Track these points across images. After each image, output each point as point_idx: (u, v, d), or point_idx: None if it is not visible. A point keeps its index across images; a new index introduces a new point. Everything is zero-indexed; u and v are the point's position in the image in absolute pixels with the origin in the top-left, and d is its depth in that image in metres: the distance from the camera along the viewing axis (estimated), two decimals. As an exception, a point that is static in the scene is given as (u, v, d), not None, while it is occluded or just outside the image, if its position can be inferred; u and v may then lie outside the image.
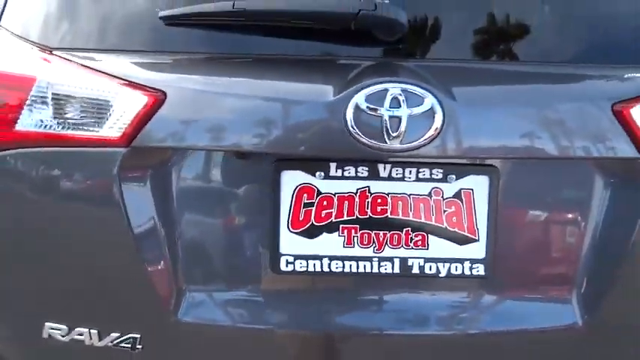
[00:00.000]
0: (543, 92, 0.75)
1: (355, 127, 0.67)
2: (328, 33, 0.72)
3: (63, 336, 0.76)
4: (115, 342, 0.75)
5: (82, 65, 0.73)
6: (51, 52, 0.76)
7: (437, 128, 0.67)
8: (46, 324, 0.77)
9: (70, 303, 0.77)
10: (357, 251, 0.73)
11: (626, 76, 0.76)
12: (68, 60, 0.74)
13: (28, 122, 0.71)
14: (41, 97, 0.71)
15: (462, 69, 0.76)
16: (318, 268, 0.73)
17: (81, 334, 0.76)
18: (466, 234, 0.73)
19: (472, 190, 0.73)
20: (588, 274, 0.75)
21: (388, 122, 0.66)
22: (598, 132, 0.71)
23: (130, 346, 0.75)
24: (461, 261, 0.73)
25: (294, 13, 0.69)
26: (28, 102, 0.71)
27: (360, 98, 0.66)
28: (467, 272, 0.73)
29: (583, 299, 0.75)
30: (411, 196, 0.72)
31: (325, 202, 0.72)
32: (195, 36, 0.74)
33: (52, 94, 0.71)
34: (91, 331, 0.75)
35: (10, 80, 0.73)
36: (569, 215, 0.75)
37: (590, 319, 0.74)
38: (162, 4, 0.74)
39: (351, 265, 0.73)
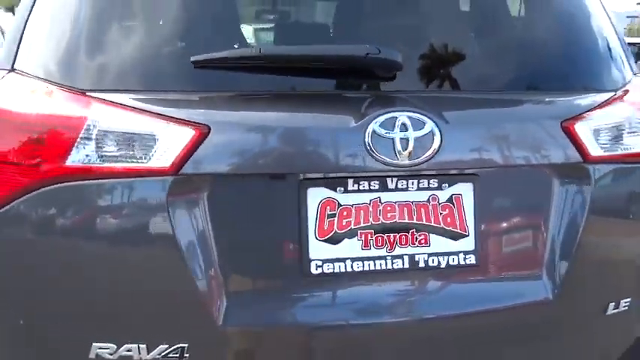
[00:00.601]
0: (510, 115, 0.95)
1: (373, 149, 0.81)
2: (343, 72, 0.87)
3: (111, 354, 0.82)
4: (163, 354, 0.83)
5: (123, 105, 0.81)
6: (84, 93, 0.84)
7: (435, 147, 0.84)
8: (94, 344, 0.82)
9: (118, 322, 0.83)
10: (373, 252, 0.87)
11: (568, 99, 0.97)
12: (109, 101, 0.82)
13: (77, 158, 0.78)
14: (90, 135, 0.78)
15: (447, 98, 0.94)
16: (342, 269, 0.85)
17: (129, 350, 0.82)
18: (459, 231, 0.89)
19: (461, 194, 0.89)
20: (553, 257, 0.93)
21: (399, 144, 0.81)
22: (552, 144, 0.91)
23: (177, 355, 0.83)
24: (456, 253, 0.89)
25: (315, 57, 0.83)
26: (78, 140, 0.78)
27: (375, 125, 0.81)
28: (462, 262, 0.89)
29: (552, 278, 0.93)
30: (414, 203, 0.88)
31: (345, 213, 0.85)
32: (228, 76, 0.86)
33: (101, 131, 0.79)
34: (140, 345, 0.82)
35: (60, 121, 0.80)
36: (536, 210, 0.94)
37: (558, 293, 0.93)
38: (193, 47, 0.85)
39: (369, 264, 0.86)
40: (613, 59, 1.07)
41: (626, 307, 1.00)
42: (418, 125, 0.83)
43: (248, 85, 0.88)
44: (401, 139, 0.82)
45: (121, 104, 0.82)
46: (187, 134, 0.78)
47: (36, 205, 0.79)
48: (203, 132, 0.79)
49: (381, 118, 0.82)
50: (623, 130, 0.97)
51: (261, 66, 0.84)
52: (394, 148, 0.82)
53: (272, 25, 1.46)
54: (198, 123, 0.79)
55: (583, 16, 1.07)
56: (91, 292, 0.82)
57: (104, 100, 0.82)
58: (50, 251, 0.81)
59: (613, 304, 0.99)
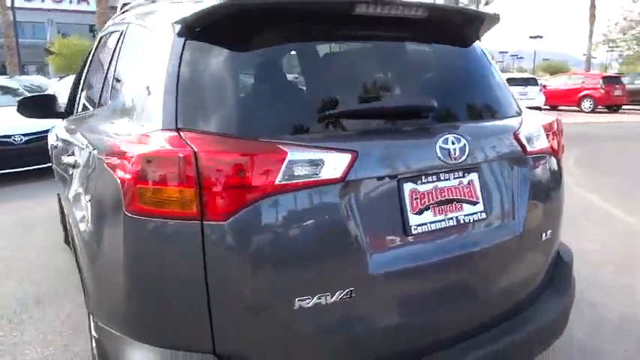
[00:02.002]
0: (489, 131, 1.64)
1: (440, 155, 1.42)
2: (417, 114, 1.47)
3: (309, 303, 1.27)
4: (340, 297, 1.30)
5: (303, 145, 1.27)
6: (257, 138, 1.28)
7: (466, 153, 1.48)
8: (296, 300, 1.26)
9: (313, 283, 1.28)
10: (438, 217, 1.46)
11: (510, 120, 1.71)
12: (291, 143, 1.27)
13: (282, 178, 1.23)
14: (288, 164, 1.24)
15: (461, 126, 1.58)
16: (426, 229, 1.43)
17: (319, 299, 1.28)
18: (474, 200, 1.54)
19: (472, 179, 1.55)
20: (520, 209, 1.64)
21: (454, 150, 1.44)
22: (511, 146, 1.63)
23: (348, 297, 1.31)
24: (475, 213, 1.54)
25: (403, 107, 1.43)
26: (282, 167, 1.23)
27: (440, 142, 1.43)
28: (480, 217, 1.54)
29: (519, 222, 1.63)
30: (452, 187, 1.50)
31: (424, 195, 1.44)
32: (360, 120, 1.40)
33: (293, 161, 1.24)
34: (326, 294, 1.28)
35: (270, 157, 1.23)
36: (509, 183, 1.64)
37: (523, 230, 1.63)
38: (340, 103, 1.37)
39: (436, 223, 1.46)
40: (514, 98, 1.86)
41: (550, 236, 1.76)
42: (458, 141, 1.46)
43: (371, 125, 1.43)
44: (452, 149, 1.44)
45: (301, 145, 1.28)
46: (348, 157, 1.29)
47: (260, 209, 1.22)
48: (354, 155, 1.30)
49: (442, 137, 1.44)
50: (534, 136, 1.73)
51: (378, 114, 1.41)
52: (450, 153, 1.44)
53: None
54: (353, 150, 1.31)
55: (498, 77, 1.84)
56: (297, 263, 1.27)
57: (288, 143, 1.27)
58: (272, 236, 1.24)
59: (544, 234, 1.73)
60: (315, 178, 1.26)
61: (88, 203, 1.55)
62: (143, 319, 1.33)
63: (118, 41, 2.03)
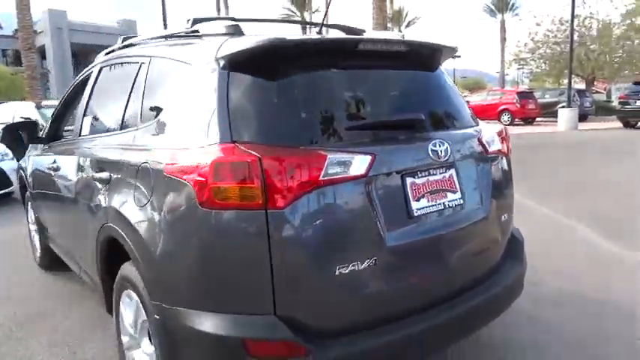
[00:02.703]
0: (460, 138, 2.11)
1: (431, 155, 1.87)
2: (407, 125, 1.92)
3: (346, 271, 1.66)
4: (367, 264, 1.70)
5: (336, 150, 1.68)
6: (298, 146, 1.67)
7: (448, 154, 1.94)
8: (337, 268, 1.65)
9: (348, 256, 1.67)
10: (431, 203, 1.91)
11: (475, 129, 2.21)
12: (329, 149, 1.67)
13: (325, 174, 1.62)
14: (328, 164, 1.63)
15: (443, 133, 2.04)
16: (423, 212, 1.87)
17: (353, 266, 1.67)
18: (455, 190, 2.01)
19: (452, 174, 2.01)
20: (486, 196, 2.12)
21: (441, 151, 1.90)
22: (477, 147, 2.12)
23: (374, 263, 1.71)
24: (456, 199, 2.00)
25: (403, 119, 1.88)
26: (325, 166, 1.62)
27: (431, 145, 1.88)
28: (458, 203, 2.00)
29: (485, 207, 2.11)
30: (439, 180, 1.95)
31: (419, 187, 1.88)
32: (376, 131, 1.83)
33: (331, 161, 1.64)
34: (359, 262, 1.68)
35: (317, 159, 1.62)
36: (476, 177, 2.12)
37: (488, 213, 2.12)
38: (361, 118, 1.80)
39: (430, 208, 1.90)
40: (471, 112, 2.37)
41: (507, 217, 2.26)
42: (442, 145, 1.93)
43: (381, 134, 1.86)
44: (440, 150, 1.90)
45: (334, 150, 1.68)
46: (369, 158, 1.71)
47: (308, 199, 1.60)
48: (373, 157, 1.72)
49: (432, 142, 1.90)
50: (491, 141, 2.24)
51: (385, 126, 1.85)
52: (438, 154, 1.90)
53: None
54: (372, 153, 1.73)
55: (460, 96, 2.34)
56: (336, 239, 1.66)
57: (326, 149, 1.68)
58: (317, 219, 1.62)
59: (503, 216, 2.23)
60: (346, 175, 1.67)
61: (148, 206, 1.85)
62: (216, 293, 1.66)
63: (138, 71, 2.33)
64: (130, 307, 2.20)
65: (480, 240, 2.12)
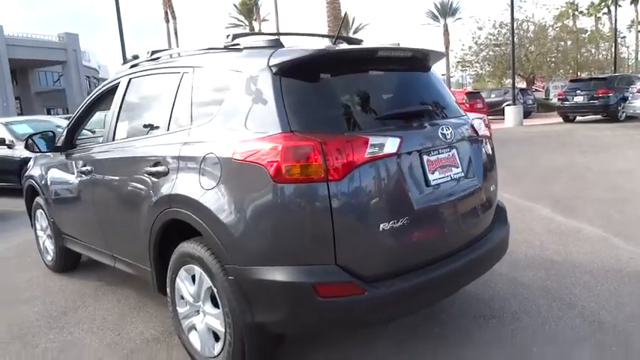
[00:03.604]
0: (459, 124, 2.63)
1: (441, 137, 2.39)
2: (422, 115, 2.44)
3: (387, 227, 2.13)
4: (401, 222, 2.18)
5: (374, 134, 2.15)
6: (342, 132, 2.14)
7: (452, 136, 2.47)
8: (380, 224, 2.12)
9: (387, 216, 2.14)
10: (442, 175, 2.42)
11: (465, 117, 2.75)
12: (370, 132, 2.16)
13: (367, 153, 2.09)
14: (370, 144, 2.10)
15: (444, 121, 2.56)
16: (437, 182, 2.38)
17: (394, 224, 2.15)
18: (457, 165, 2.53)
19: (454, 152, 2.53)
20: (479, 170, 2.66)
21: (447, 134, 2.42)
22: (470, 131, 2.67)
23: (407, 222, 2.19)
24: (459, 172, 2.53)
25: (415, 110, 2.39)
26: (368, 147, 2.09)
27: (440, 129, 2.41)
28: (460, 175, 2.53)
29: (479, 178, 2.65)
30: (445, 157, 2.47)
31: (433, 162, 2.39)
32: (399, 120, 2.32)
33: (372, 143, 2.11)
34: (397, 220, 2.16)
35: (362, 142, 2.09)
36: (472, 154, 2.64)
37: (481, 184, 2.66)
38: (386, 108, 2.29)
39: (441, 179, 2.41)
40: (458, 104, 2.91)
41: (494, 188, 2.82)
42: (448, 129, 2.45)
43: (401, 122, 2.35)
44: (447, 132, 2.43)
45: (373, 134, 2.16)
46: (398, 140, 2.20)
47: (357, 172, 2.07)
48: (402, 139, 2.20)
49: (440, 127, 2.42)
50: (479, 126, 2.78)
51: (405, 115, 2.35)
52: (445, 136, 2.42)
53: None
54: (400, 136, 2.22)
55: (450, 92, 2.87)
56: (379, 202, 2.13)
57: (367, 131, 2.16)
58: (365, 187, 2.09)
59: (491, 187, 2.78)
60: (382, 153, 2.15)
61: (217, 187, 2.25)
62: (288, 250, 2.09)
63: (181, 80, 2.73)
64: (188, 280, 2.59)
65: (477, 205, 2.65)
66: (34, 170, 4.45)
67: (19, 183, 8.90)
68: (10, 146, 9.10)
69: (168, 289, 2.76)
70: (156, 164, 2.68)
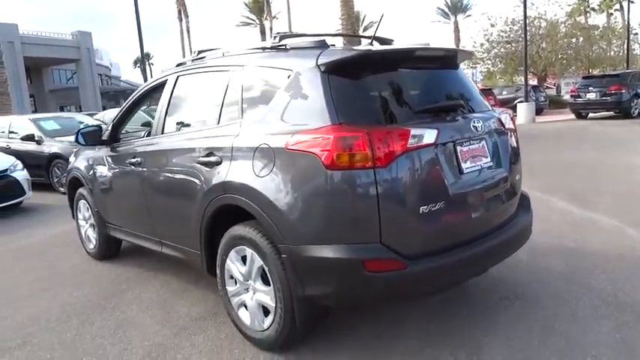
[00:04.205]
0: (488, 118, 2.86)
1: (472, 129, 2.63)
2: (453, 109, 2.67)
3: (425, 210, 2.37)
4: (439, 206, 2.41)
5: (413, 126, 2.39)
6: (385, 124, 2.38)
7: (482, 128, 2.70)
8: (421, 207, 2.36)
9: (427, 198, 2.38)
10: (473, 164, 2.65)
11: (491, 112, 2.97)
12: (410, 124, 2.39)
13: (409, 143, 2.34)
14: (411, 135, 2.34)
15: (475, 114, 2.79)
16: (469, 171, 2.61)
17: (433, 207, 2.38)
18: (486, 155, 2.76)
19: (484, 144, 2.76)
20: (505, 160, 2.89)
21: (478, 127, 2.65)
22: (498, 123, 2.90)
23: (444, 207, 2.42)
24: (488, 162, 2.75)
25: (449, 104, 2.63)
26: (409, 138, 2.33)
27: (472, 122, 2.64)
28: (489, 165, 2.76)
29: (506, 168, 2.88)
30: (475, 148, 2.69)
31: (465, 152, 2.62)
32: (436, 114, 2.56)
33: (413, 134, 2.35)
34: (437, 203, 2.39)
35: (405, 133, 2.33)
36: (500, 146, 2.87)
37: (508, 173, 2.88)
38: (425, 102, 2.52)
39: (472, 168, 2.64)
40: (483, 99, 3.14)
41: (519, 177, 3.04)
42: (478, 122, 2.68)
43: (436, 116, 2.59)
44: (478, 125, 2.65)
45: (413, 126, 2.39)
46: (435, 131, 2.43)
47: (401, 161, 2.31)
48: (439, 130, 2.44)
49: (472, 120, 2.65)
50: (505, 120, 3.00)
51: (441, 109, 2.59)
52: (476, 129, 2.65)
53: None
54: (437, 128, 2.45)
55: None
56: (420, 186, 2.37)
57: (407, 124, 2.40)
58: (407, 173, 2.33)
59: (517, 176, 3.00)
60: (422, 143, 2.39)
61: (271, 174, 2.49)
62: (338, 230, 2.33)
63: (231, 77, 2.98)
64: (238, 261, 2.84)
65: (504, 192, 2.87)
66: (79, 162, 4.73)
67: (47, 178, 9.24)
68: (38, 142, 9.42)
69: (217, 270, 3.01)
70: (209, 154, 2.93)
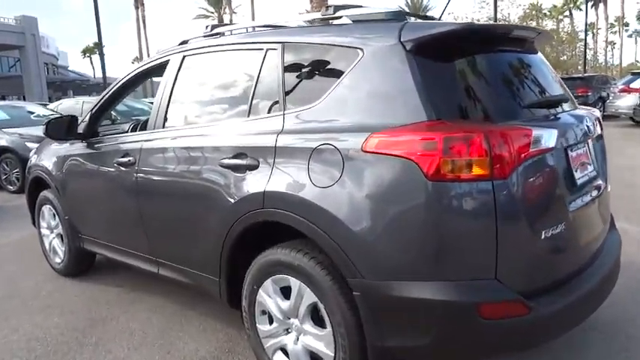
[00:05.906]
0: (589, 117, 2.33)
1: (587, 130, 2.09)
2: (556, 105, 2.13)
3: (548, 234, 1.80)
4: (560, 228, 1.85)
5: (530, 124, 1.83)
6: (493, 122, 1.80)
7: (592, 129, 2.16)
8: (543, 232, 1.79)
9: (549, 219, 1.82)
10: (584, 173, 2.12)
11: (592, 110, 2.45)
12: (526, 125, 1.82)
13: (533, 149, 1.76)
14: (533, 139, 1.77)
15: (575, 113, 2.27)
16: (581, 181, 2.07)
17: (555, 229, 1.82)
18: (590, 162, 2.23)
19: (588, 148, 2.23)
20: (602, 170, 2.37)
21: (590, 127, 2.11)
22: (597, 127, 2.36)
23: (563, 227, 1.87)
24: (593, 171, 2.22)
25: (551, 100, 2.08)
26: (531, 140, 1.76)
27: (585, 122, 2.11)
28: (594, 174, 2.23)
29: (603, 179, 2.35)
30: (582, 153, 2.16)
31: (575, 159, 2.07)
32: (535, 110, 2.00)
33: (534, 136, 1.78)
34: (556, 226, 1.84)
35: (522, 133, 1.75)
36: (598, 152, 2.35)
37: (605, 183, 2.37)
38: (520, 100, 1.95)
39: (582, 178, 2.10)
40: None
41: (609, 188, 2.53)
42: (590, 121, 2.14)
43: (543, 112, 2.03)
44: (590, 124, 2.12)
45: (532, 126, 1.83)
46: (555, 132, 1.87)
47: (522, 168, 1.73)
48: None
49: (584, 119, 2.11)
50: (600, 121, 2.49)
51: (550, 105, 2.02)
52: (589, 129, 2.11)
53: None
54: (555, 127, 1.89)
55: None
56: (544, 203, 1.81)
57: (523, 122, 1.84)
58: (530, 186, 1.77)
59: (609, 186, 2.49)
60: (542, 147, 1.82)
61: (339, 185, 1.85)
62: (439, 262, 1.73)
63: (265, 58, 2.31)
64: (277, 293, 2.19)
65: (605, 207, 2.37)
66: (43, 159, 3.89)
67: (-6, 175, 8.17)
68: (-17, 134, 8.31)
69: (244, 302, 2.35)
70: (237, 155, 2.27)
